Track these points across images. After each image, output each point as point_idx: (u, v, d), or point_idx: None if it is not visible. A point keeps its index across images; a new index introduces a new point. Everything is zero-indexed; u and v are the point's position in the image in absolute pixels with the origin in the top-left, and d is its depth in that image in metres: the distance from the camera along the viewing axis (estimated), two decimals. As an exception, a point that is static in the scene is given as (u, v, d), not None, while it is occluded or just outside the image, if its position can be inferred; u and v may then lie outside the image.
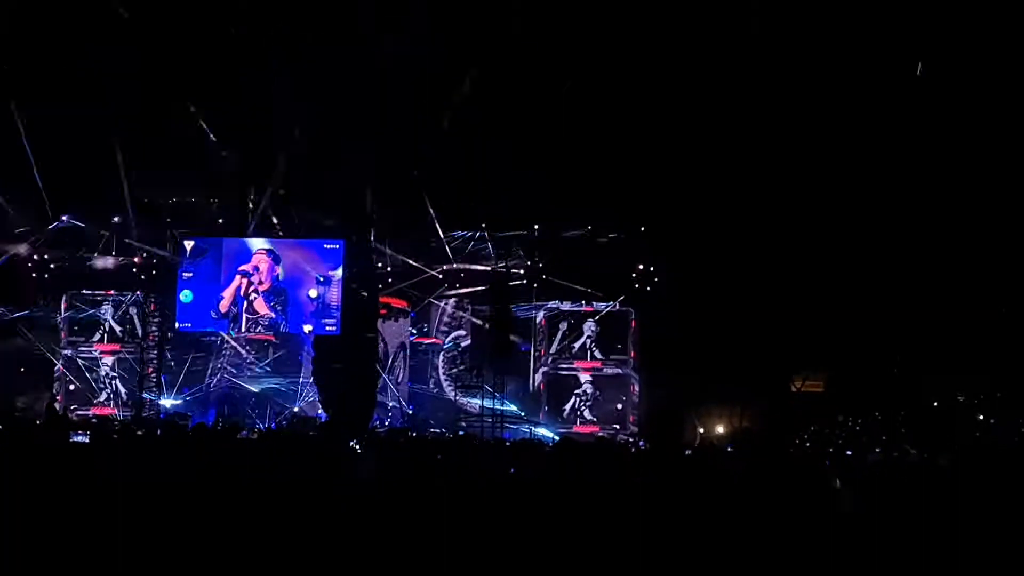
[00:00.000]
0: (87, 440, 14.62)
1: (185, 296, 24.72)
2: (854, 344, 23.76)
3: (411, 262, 25.68)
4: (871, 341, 23.71)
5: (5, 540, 6.02)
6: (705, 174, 22.57)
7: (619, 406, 25.81)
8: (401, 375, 26.00)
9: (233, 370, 25.97)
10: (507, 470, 9.55)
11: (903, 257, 22.32)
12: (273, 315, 24.82)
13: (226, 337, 25.86)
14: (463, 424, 25.02)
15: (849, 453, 20.20)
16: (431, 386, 26.15)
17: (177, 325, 25.08)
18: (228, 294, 24.72)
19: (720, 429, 25.19)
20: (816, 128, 21.02)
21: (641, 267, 25.54)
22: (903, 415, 24.04)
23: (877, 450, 19.58)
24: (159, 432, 17.20)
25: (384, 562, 5.63)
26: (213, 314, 24.78)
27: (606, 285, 25.64)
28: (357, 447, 14.26)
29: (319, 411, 24.54)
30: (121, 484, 7.06)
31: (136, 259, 25.71)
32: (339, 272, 24.65)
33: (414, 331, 26.40)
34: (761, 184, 22.49)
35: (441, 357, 26.24)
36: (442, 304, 26.28)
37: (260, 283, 24.73)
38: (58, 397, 24.93)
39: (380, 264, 25.39)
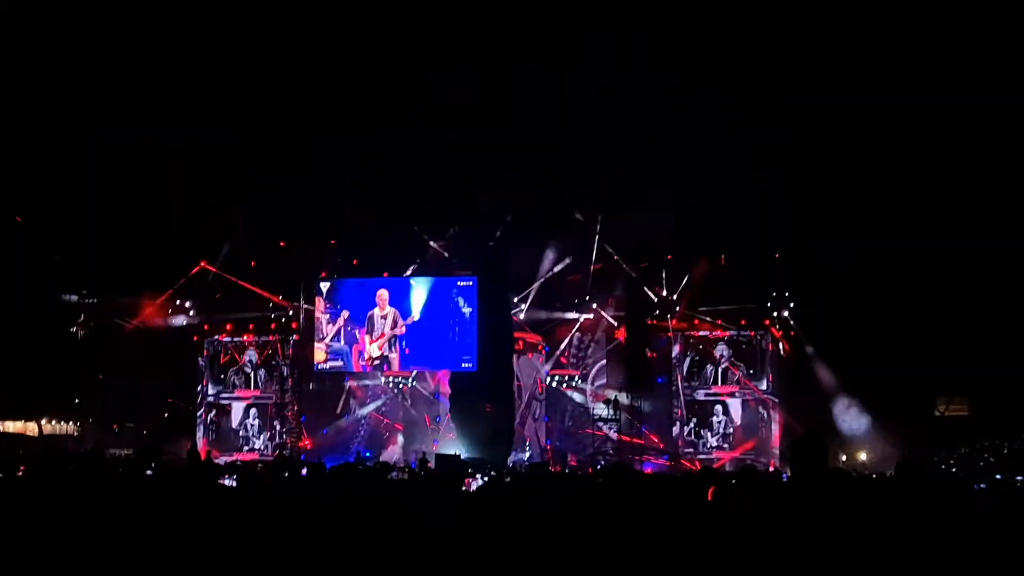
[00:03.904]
0: (234, 484, 14.66)
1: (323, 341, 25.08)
2: (1000, 366, 23.15)
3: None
4: (1017, 362, 23.08)
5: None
6: (835, 191, 22.37)
7: (758, 431, 25.40)
8: (538, 410, 25.90)
9: (371, 409, 26.11)
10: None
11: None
12: (408, 353, 24.96)
13: (363, 376, 26.04)
14: (600, 459, 24.84)
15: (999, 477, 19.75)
16: (567, 419, 25.91)
17: (317, 367, 25.31)
18: (364, 334, 25.00)
19: (863, 456, 24.72)
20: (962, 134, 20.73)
21: (776, 293, 25.16)
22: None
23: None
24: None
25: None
26: (359, 356, 25.10)
27: (741, 311, 25.37)
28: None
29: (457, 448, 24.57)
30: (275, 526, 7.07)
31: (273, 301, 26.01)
32: (473, 309, 24.78)
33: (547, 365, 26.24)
34: (897, 201, 22.19)
35: (590, 388, 25.97)
36: (572, 335, 26.10)
37: (391, 324, 24.91)
38: (201, 443, 25.16)
39: (514, 299, 25.38)
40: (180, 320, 25.94)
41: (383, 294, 25.12)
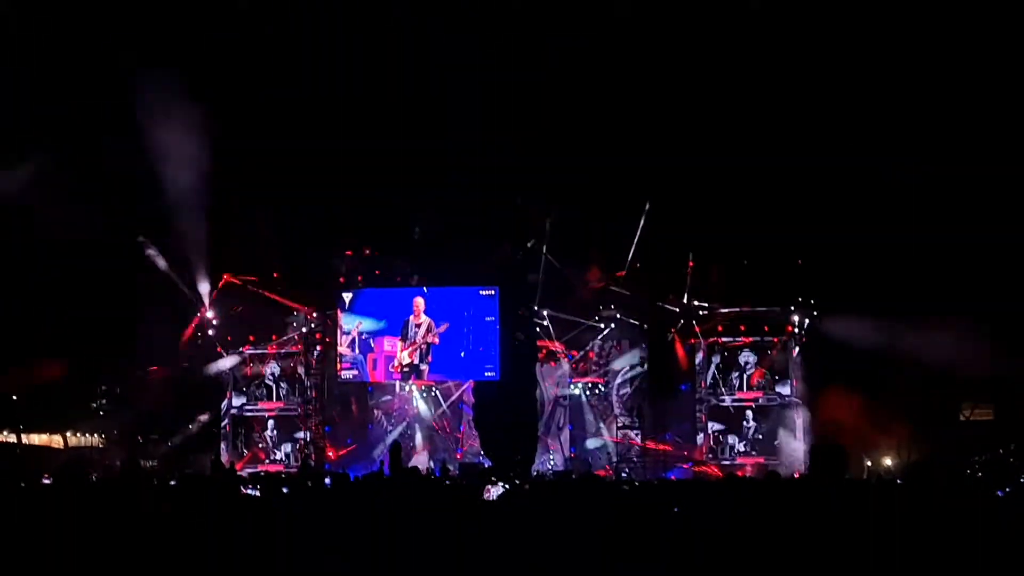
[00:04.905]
0: (258, 494, 14.64)
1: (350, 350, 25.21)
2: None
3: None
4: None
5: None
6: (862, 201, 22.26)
7: (782, 438, 25.28)
8: (561, 418, 25.85)
9: (396, 418, 26.15)
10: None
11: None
12: (431, 361, 25.00)
13: (387, 387, 26.10)
14: (625, 467, 24.84)
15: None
16: (591, 428, 25.85)
17: (340, 376, 25.39)
18: (389, 344, 25.04)
19: (888, 461, 24.56)
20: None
21: (800, 299, 25.05)
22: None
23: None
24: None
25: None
26: (373, 364, 25.14)
27: (765, 317, 25.28)
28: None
29: (481, 457, 24.55)
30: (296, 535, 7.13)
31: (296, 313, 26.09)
32: (495, 318, 24.79)
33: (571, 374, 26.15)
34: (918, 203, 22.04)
35: (615, 393, 25.92)
36: (594, 343, 26.04)
37: (424, 332, 24.93)
38: (224, 456, 25.21)
39: (535, 309, 25.36)
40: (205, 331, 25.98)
41: (419, 302, 25.11)
